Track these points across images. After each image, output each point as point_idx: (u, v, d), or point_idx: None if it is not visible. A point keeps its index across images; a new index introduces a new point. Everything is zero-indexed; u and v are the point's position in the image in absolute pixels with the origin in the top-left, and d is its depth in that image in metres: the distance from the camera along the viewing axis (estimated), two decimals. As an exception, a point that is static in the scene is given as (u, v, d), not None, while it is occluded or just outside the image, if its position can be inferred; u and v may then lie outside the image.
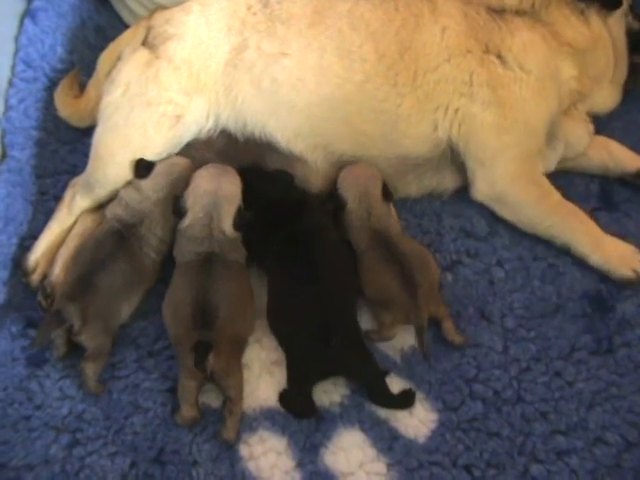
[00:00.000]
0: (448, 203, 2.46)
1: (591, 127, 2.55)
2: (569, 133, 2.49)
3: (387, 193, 2.31)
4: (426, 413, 2.05)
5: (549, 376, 2.11)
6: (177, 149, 2.35)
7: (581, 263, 2.30)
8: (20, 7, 2.95)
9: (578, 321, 2.21)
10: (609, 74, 2.54)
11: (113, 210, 2.26)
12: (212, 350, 1.93)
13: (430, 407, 2.06)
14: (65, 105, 2.61)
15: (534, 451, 1.99)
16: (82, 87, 2.62)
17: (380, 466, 1.97)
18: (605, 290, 2.27)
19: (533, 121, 2.35)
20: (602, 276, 2.28)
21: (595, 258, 2.28)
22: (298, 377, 2.04)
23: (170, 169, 2.30)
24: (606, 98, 2.59)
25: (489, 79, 2.32)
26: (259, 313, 2.14)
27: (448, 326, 2.13)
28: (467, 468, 1.97)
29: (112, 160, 2.32)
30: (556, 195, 2.35)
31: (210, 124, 2.35)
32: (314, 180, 2.39)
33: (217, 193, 2.19)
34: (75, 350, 2.09)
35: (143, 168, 2.28)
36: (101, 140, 2.35)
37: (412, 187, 2.44)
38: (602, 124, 2.61)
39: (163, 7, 2.54)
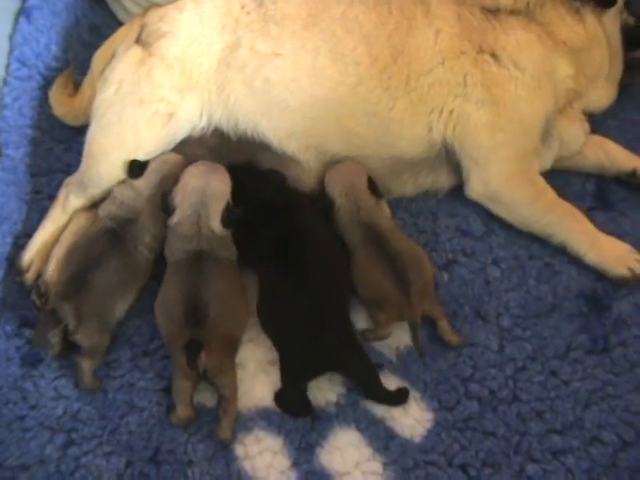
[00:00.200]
0: (444, 202, 2.46)
1: (587, 126, 2.55)
2: (564, 132, 2.48)
3: (373, 186, 2.31)
4: (422, 412, 2.04)
5: (545, 375, 2.11)
6: (170, 147, 2.35)
7: (577, 262, 2.30)
8: (15, 5, 2.95)
9: (574, 320, 2.21)
10: (604, 72, 2.54)
11: (106, 208, 2.26)
12: (204, 348, 1.92)
13: (426, 406, 2.06)
14: (60, 104, 2.61)
15: (530, 450, 1.99)
16: (77, 86, 2.61)
17: (376, 465, 1.96)
18: (601, 289, 2.26)
19: (528, 119, 2.34)
20: (598, 275, 2.28)
21: (591, 257, 2.28)
22: (291, 375, 2.03)
23: (162, 166, 2.30)
24: (601, 96, 2.59)
25: (483, 78, 2.31)
26: (252, 311, 2.14)
27: (444, 326, 2.13)
28: (463, 467, 1.96)
29: (105, 159, 2.31)
30: (551, 194, 2.35)
31: (203, 122, 2.35)
32: (307, 180, 2.39)
33: (204, 191, 2.18)
34: (70, 349, 2.08)
35: (136, 168, 2.28)
36: (94, 139, 2.35)
37: (407, 186, 2.44)
38: (597, 123, 2.60)
39: (157, 5, 2.54)
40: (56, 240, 2.32)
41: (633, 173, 2.50)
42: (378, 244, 2.20)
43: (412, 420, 2.03)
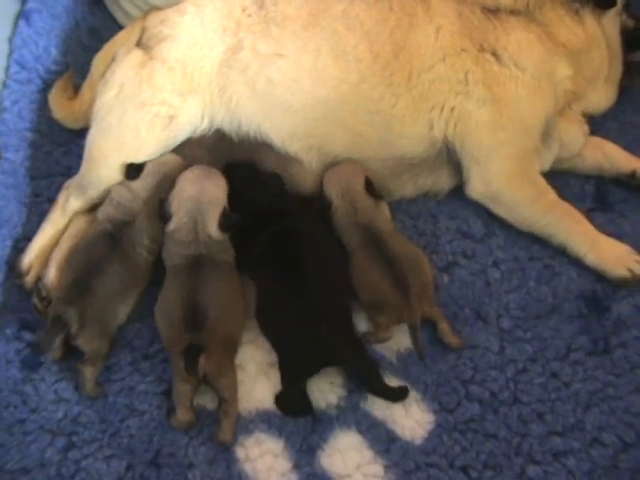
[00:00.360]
0: (444, 204, 2.46)
1: (586, 127, 2.55)
2: (564, 133, 2.48)
3: (371, 187, 2.31)
4: (423, 414, 2.04)
5: (545, 377, 2.11)
6: (170, 150, 2.34)
7: (577, 263, 2.30)
8: (14, 8, 2.95)
9: (574, 322, 2.21)
10: (604, 74, 2.54)
11: (105, 211, 2.26)
12: (202, 353, 1.92)
13: (427, 408, 2.05)
14: (59, 107, 2.61)
15: (531, 452, 1.99)
16: (76, 89, 2.61)
17: (377, 468, 1.96)
18: (601, 290, 2.26)
19: (528, 119, 2.35)
20: (598, 276, 2.28)
21: (591, 258, 2.28)
22: (291, 372, 2.03)
23: (159, 168, 2.30)
24: (601, 98, 2.59)
25: (484, 77, 2.32)
26: (252, 312, 2.15)
27: (444, 328, 2.13)
28: (464, 469, 1.96)
29: (105, 162, 2.31)
30: (552, 194, 2.35)
31: (204, 124, 2.35)
32: (309, 181, 2.39)
33: (200, 198, 2.18)
34: (70, 353, 2.08)
35: (133, 170, 2.28)
36: (94, 142, 2.35)
37: (407, 188, 2.44)
38: (597, 124, 2.61)
39: (157, 8, 2.53)
40: (56, 243, 2.32)
41: (632, 174, 2.50)
42: (376, 246, 2.19)
43: (413, 422, 2.03)
